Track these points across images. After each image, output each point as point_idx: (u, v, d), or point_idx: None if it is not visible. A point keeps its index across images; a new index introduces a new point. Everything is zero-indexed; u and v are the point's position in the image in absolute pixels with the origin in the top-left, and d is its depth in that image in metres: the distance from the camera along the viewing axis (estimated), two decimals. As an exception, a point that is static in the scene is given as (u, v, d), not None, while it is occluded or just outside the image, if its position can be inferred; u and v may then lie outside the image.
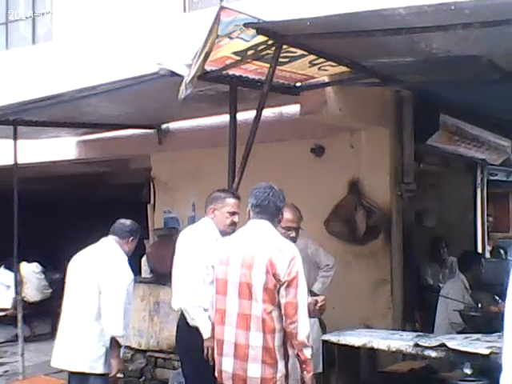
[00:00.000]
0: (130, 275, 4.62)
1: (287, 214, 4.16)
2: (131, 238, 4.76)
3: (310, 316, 3.89)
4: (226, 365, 3.53)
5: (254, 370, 3.42)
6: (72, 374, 4.56)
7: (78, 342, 4.50)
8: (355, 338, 4.59)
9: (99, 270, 4.54)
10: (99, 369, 4.49)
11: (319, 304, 3.98)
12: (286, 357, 3.47)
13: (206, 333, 4.03)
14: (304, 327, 3.39)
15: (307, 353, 3.39)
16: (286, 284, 3.39)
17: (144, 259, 7.42)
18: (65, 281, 4.85)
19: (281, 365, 3.44)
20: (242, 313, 3.45)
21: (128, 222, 4.80)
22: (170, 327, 6.80)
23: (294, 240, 4.21)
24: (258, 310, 3.41)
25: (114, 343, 4.46)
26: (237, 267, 3.51)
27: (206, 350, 4.01)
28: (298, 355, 3.41)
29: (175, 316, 6.71)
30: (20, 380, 6.58)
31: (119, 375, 4.68)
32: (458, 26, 3.52)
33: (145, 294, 7.10)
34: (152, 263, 7.23)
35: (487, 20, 3.44)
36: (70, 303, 4.68)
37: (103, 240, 4.74)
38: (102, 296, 4.46)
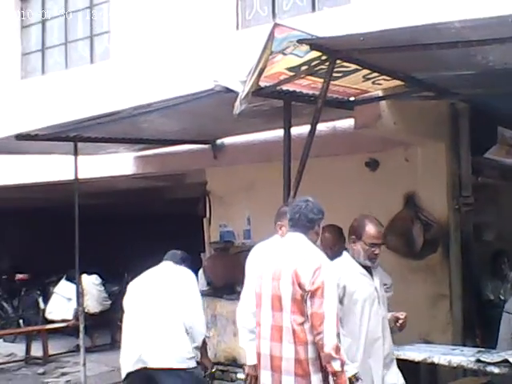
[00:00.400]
0: None
1: (371, 230, 3.98)
2: (182, 266, 5.14)
3: (392, 332, 3.83)
4: (265, 378, 3.55)
5: (288, 382, 3.41)
6: (163, 370, 4.78)
7: (173, 343, 4.81)
8: (415, 353, 4.55)
9: (177, 283, 4.99)
10: (191, 364, 4.86)
11: (400, 321, 3.91)
12: (324, 370, 3.41)
13: (247, 359, 4.06)
14: (330, 339, 3.32)
15: (336, 365, 3.31)
16: (310, 294, 3.37)
17: (201, 272, 7.50)
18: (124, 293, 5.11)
19: (316, 377, 3.39)
20: (275, 325, 3.47)
21: (179, 252, 5.24)
22: (227, 339, 6.84)
23: (376, 257, 4.00)
24: (288, 321, 3.41)
25: (205, 343, 5.08)
26: (269, 280, 3.54)
27: (244, 376, 4.02)
28: (326, 367, 3.36)
29: (232, 329, 6.77)
30: (81, 390, 6.72)
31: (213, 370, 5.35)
32: (517, 39, 3.46)
33: (202, 307, 7.15)
34: (208, 276, 7.30)
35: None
36: (149, 315, 4.90)
37: (165, 263, 5.15)
38: (188, 305, 4.90)
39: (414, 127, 5.66)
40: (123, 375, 4.97)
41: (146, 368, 4.79)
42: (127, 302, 5.09)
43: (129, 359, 4.93)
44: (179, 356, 4.77)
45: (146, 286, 5.06)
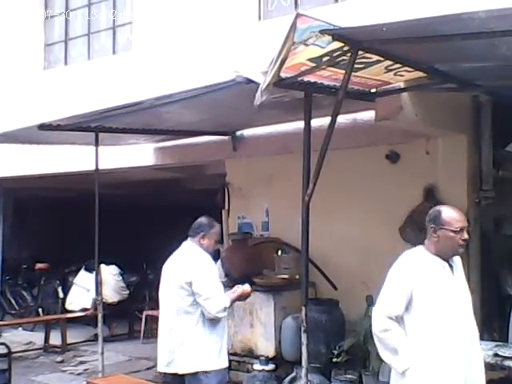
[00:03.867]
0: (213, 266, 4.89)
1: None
2: (202, 234, 4.85)
3: None
4: None
5: None
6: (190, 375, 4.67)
7: (193, 343, 4.68)
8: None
9: (186, 269, 4.73)
10: (213, 365, 4.69)
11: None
12: None
13: None
14: None
15: None
16: None
17: (219, 263, 7.52)
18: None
19: None
20: None
21: (198, 219, 4.95)
22: (243, 331, 6.89)
23: None
24: None
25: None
26: None
27: None
28: None
29: (249, 320, 6.81)
30: (100, 378, 6.78)
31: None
32: (543, 30, 3.42)
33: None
34: (226, 267, 7.34)
35: None
36: (168, 309, 4.83)
37: (184, 242, 4.96)
38: (195, 289, 4.63)
39: (436, 119, 5.64)
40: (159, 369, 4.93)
41: (176, 374, 4.77)
42: (160, 290, 5.02)
43: (162, 360, 4.85)
44: (200, 358, 4.66)
45: (166, 274, 4.98)
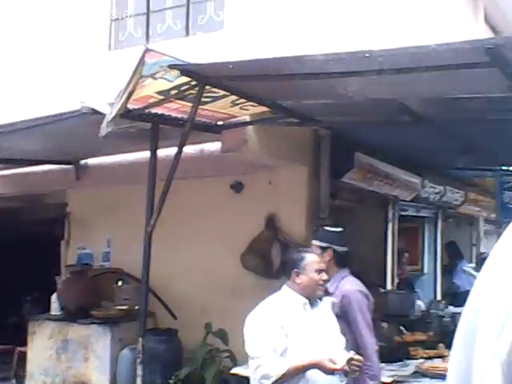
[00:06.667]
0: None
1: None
2: (295, 272, 3.74)
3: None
4: None
5: None
6: None
7: None
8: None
9: None
10: None
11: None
12: None
13: None
14: None
15: None
16: None
17: (54, 296, 7.19)
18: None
19: None
20: None
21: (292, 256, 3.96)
22: (77, 365, 6.66)
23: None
24: None
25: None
26: None
27: None
28: None
29: (83, 354, 6.58)
30: None
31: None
32: (373, 72, 3.71)
33: (53, 332, 6.87)
34: (62, 300, 7.04)
35: (400, 67, 3.65)
36: None
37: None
38: None
39: (279, 151, 5.86)
40: None
41: None
42: None
43: None
44: None
45: None
